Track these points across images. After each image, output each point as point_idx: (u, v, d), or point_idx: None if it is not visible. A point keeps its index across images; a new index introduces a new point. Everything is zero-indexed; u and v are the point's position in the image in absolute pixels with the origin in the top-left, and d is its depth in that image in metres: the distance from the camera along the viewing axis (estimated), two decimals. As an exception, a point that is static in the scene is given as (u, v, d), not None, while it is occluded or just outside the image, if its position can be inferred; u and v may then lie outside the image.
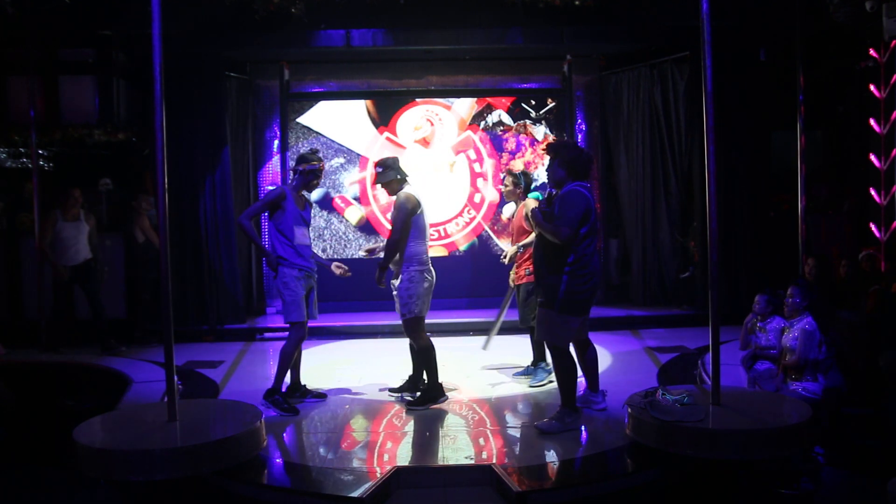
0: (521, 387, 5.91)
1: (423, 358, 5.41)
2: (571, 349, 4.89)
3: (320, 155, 5.63)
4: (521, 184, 5.95)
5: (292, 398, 5.53)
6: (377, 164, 5.50)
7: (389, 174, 5.39)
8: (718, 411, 4.32)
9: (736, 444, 4.04)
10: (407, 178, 5.44)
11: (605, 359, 6.93)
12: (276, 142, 9.19)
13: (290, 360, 5.44)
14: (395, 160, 5.50)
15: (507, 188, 6.07)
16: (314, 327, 6.80)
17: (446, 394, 5.49)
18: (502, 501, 3.94)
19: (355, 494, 3.87)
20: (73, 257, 7.44)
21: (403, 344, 5.79)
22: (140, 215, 7.87)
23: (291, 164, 9.11)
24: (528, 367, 6.24)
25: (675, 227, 9.00)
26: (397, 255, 5.33)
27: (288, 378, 5.61)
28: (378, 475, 4.08)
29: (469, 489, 4.10)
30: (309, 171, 5.47)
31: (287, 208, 5.38)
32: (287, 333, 5.50)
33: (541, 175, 9.05)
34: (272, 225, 5.41)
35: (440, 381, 5.48)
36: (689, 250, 8.82)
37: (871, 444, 4.93)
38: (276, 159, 9.18)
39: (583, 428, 4.83)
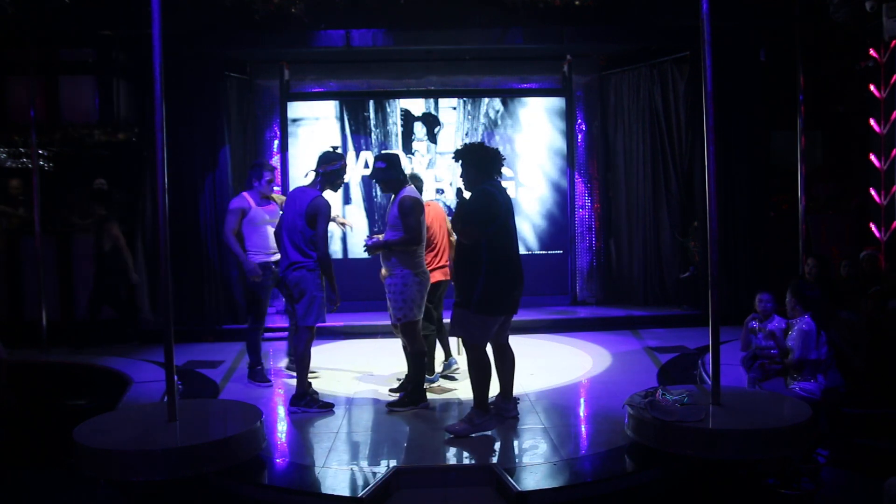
0: (521, 386, 5.91)
1: (415, 362, 5.39)
2: (489, 351, 4.89)
3: (340, 151, 5.43)
4: None
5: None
6: (379, 159, 5.38)
7: (392, 172, 5.30)
8: (718, 411, 4.32)
9: (736, 444, 4.05)
10: (407, 180, 5.40)
11: (605, 359, 6.93)
12: (276, 142, 9.18)
13: (309, 361, 5.38)
14: (398, 157, 5.45)
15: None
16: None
17: (427, 399, 5.45)
18: (502, 501, 3.94)
19: (355, 494, 3.88)
20: (271, 252, 6.02)
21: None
22: (109, 222, 7.70)
23: (286, 162, 9.11)
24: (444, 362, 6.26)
25: (675, 227, 9.00)
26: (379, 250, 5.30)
27: (288, 379, 5.60)
28: (378, 475, 4.08)
29: (469, 489, 4.10)
30: (332, 172, 5.30)
31: None
32: (290, 334, 5.46)
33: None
34: (314, 233, 5.16)
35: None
36: (690, 250, 8.82)
37: (871, 444, 4.92)
38: (276, 159, 9.16)
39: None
